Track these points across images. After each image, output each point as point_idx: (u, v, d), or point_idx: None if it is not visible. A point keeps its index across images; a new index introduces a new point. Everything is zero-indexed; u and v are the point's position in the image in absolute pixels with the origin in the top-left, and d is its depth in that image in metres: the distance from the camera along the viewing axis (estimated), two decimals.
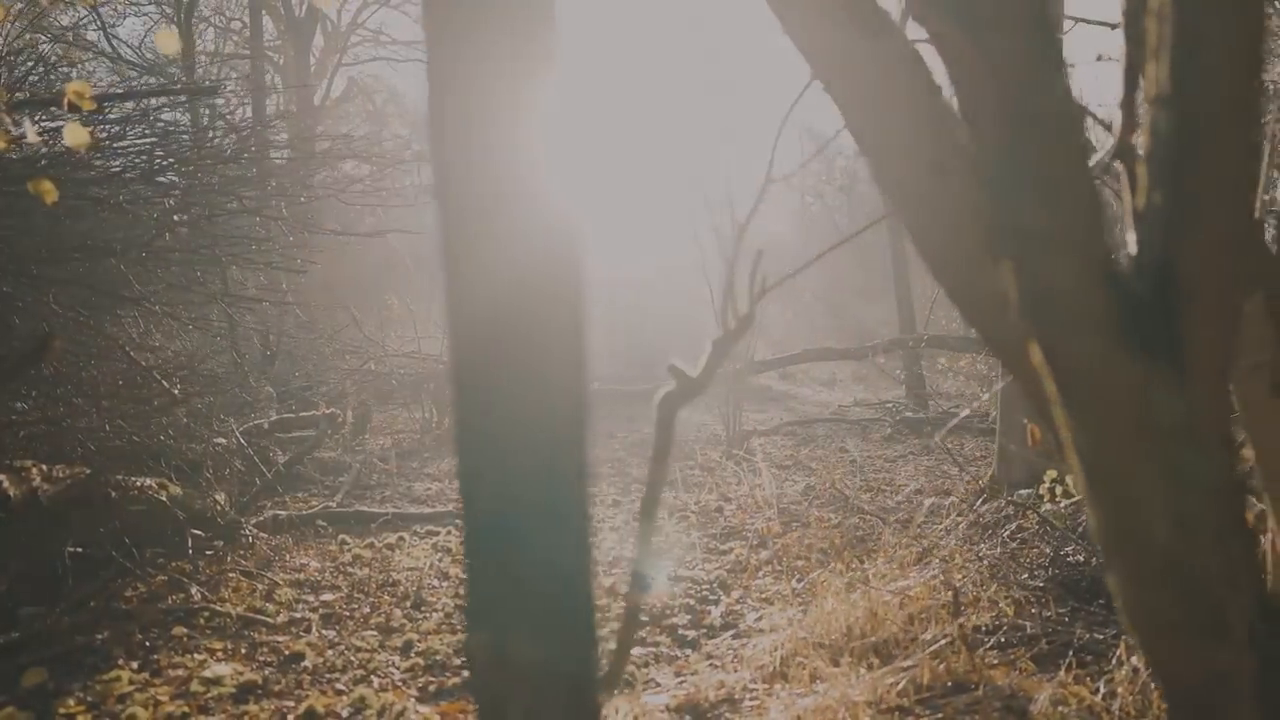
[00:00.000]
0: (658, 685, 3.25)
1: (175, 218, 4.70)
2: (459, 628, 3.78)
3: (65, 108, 2.70)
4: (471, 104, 0.79)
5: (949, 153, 1.16)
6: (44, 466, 4.01)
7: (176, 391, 4.57)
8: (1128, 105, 1.05)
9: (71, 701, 3.07)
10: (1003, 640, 3.32)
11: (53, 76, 7.10)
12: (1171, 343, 0.88)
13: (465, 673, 3.30)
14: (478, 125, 0.80)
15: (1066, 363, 0.89)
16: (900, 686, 2.84)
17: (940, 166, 1.17)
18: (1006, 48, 0.80)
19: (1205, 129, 0.84)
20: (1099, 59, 1.96)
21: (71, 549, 4.05)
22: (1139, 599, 0.97)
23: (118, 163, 4.86)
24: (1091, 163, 1.60)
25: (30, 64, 5.42)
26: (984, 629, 3.39)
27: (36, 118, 4.80)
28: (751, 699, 3.03)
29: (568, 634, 0.83)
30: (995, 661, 3.15)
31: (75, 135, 2.64)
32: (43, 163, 4.35)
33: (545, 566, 0.82)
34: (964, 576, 3.73)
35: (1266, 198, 2.06)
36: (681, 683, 3.21)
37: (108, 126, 5.03)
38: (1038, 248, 0.85)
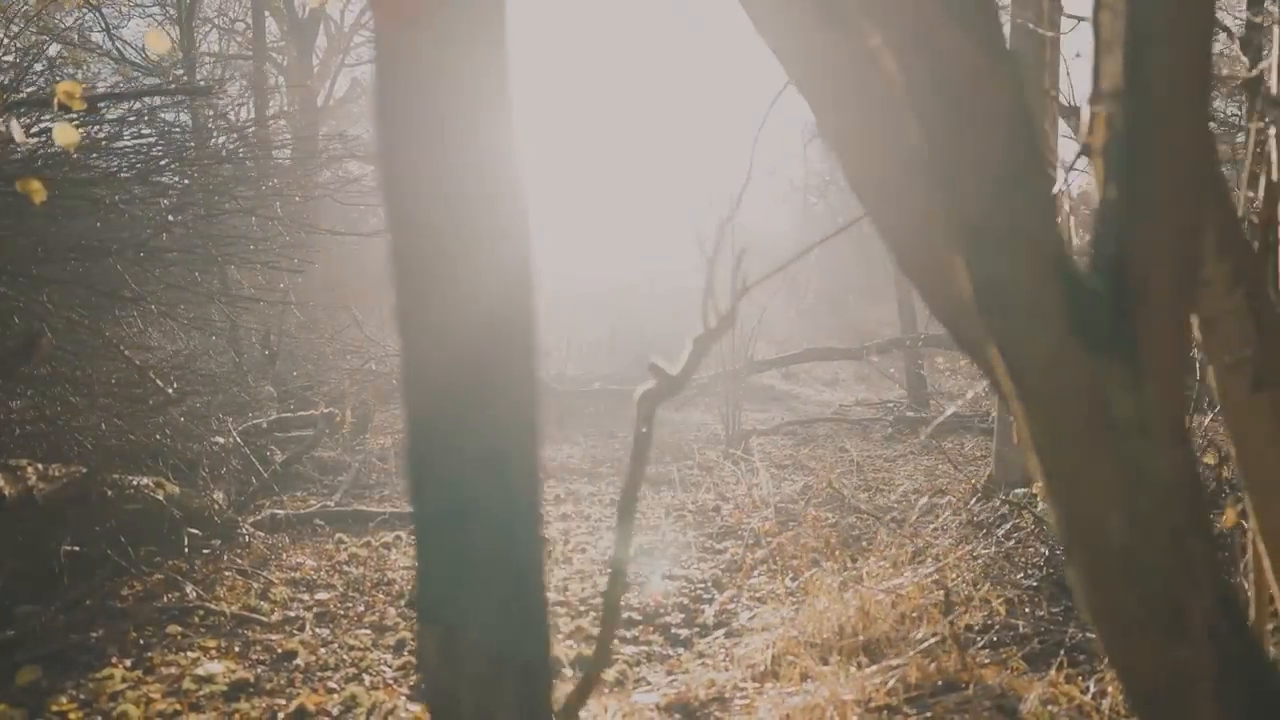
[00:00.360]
0: (649, 684, 3.25)
1: (170, 218, 4.71)
2: None
3: (56, 108, 2.71)
4: (417, 85, 0.79)
5: (915, 151, 1.15)
6: (40, 465, 4.02)
7: (171, 391, 4.58)
8: (1095, 102, 1.04)
9: (64, 699, 3.08)
10: (995, 639, 3.31)
11: (58, 77, 7.13)
12: (1126, 339, 0.88)
13: None
14: (425, 110, 0.80)
15: (1020, 359, 0.88)
16: (889, 685, 2.84)
17: (906, 165, 1.17)
18: (954, 40, 0.80)
19: (1156, 124, 0.84)
20: (1077, 55, 1.96)
21: (68, 547, 4.06)
22: (1098, 597, 0.97)
23: (115, 163, 4.88)
24: (1072, 160, 1.59)
25: (29, 64, 5.43)
26: (976, 628, 3.39)
27: (34, 118, 4.82)
28: (742, 698, 3.03)
29: (519, 627, 0.83)
30: (987, 661, 3.14)
31: (65, 135, 2.65)
32: (39, 163, 4.37)
33: (496, 560, 0.82)
34: (957, 576, 3.73)
35: (1251, 195, 2.06)
36: (672, 681, 3.21)
37: (105, 126, 5.05)
38: (989, 243, 0.85)
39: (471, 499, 0.81)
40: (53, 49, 10.26)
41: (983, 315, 0.90)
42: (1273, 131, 1.83)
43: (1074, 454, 0.91)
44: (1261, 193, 1.83)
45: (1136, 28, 0.83)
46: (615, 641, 3.68)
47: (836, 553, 4.26)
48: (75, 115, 4.46)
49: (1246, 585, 2.21)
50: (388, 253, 0.86)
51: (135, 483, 4.49)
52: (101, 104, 4.99)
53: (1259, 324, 1.67)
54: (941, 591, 3.33)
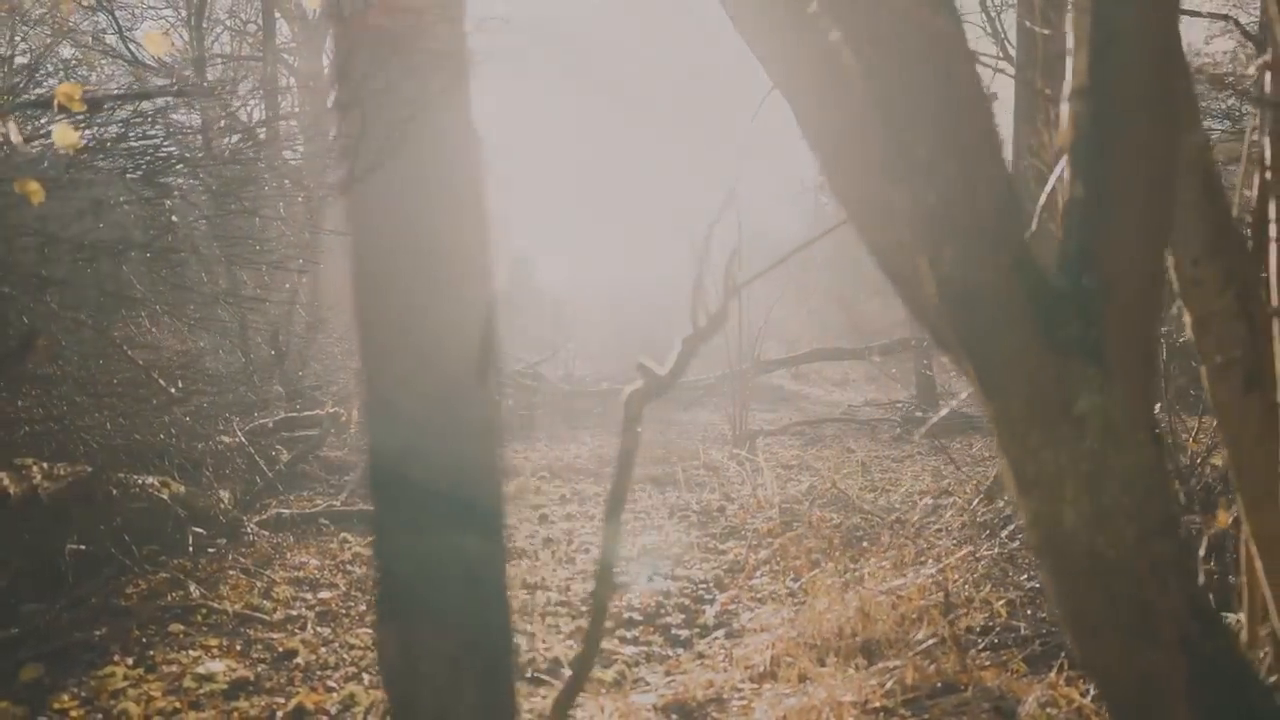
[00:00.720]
0: (647, 684, 3.24)
1: (173, 219, 4.74)
2: None
3: (55, 110, 2.72)
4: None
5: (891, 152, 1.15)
6: (45, 464, 4.05)
7: (174, 390, 4.61)
8: (1068, 100, 1.03)
9: (66, 697, 3.10)
10: (995, 641, 3.30)
11: (71, 79, 7.18)
12: (1092, 339, 0.87)
13: None
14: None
15: (985, 359, 0.88)
16: (887, 687, 2.83)
17: (879, 166, 1.16)
18: (917, 33, 0.80)
19: (1122, 122, 0.83)
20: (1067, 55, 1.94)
21: (73, 546, 4.08)
22: (1067, 598, 0.96)
23: (122, 163, 4.90)
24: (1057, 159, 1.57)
25: (37, 65, 5.48)
26: (977, 630, 3.37)
27: (42, 120, 4.85)
28: (739, 699, 3.02)
29: (478, 628, 0.83)
30: (987, 663, 3.12)
31: (64, 137, 2.66)
32: (45, 164, 4.40)
33: (452, 562, 0.82)
34: (959, 577, 3.71)
35: (1247, 194, 2.04)
36: (670, 682, 3.21)
37: (112, 127, 5.08)
38: (950, 241, 0.84)
39: (429, 503, 0.81)
40: (67, 51, 10.34)
41: (948, 315, 0.89)
42: (1267, 130, 1.81)
43: (1040, 455, 0.90)
44: (1255, 191, 1.81)
45: (1101, 26, 0.82)
46: (615, 642, 3.67)
47: (838, 554, 4.25)
48: (81, 117, 4.49)
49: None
50: (355, 280, 0.86)
51: (140, 482, 4.51)
52: (106, 105, 5.01)
53: (1250, 325, 1.65)
54: (941, 593, 3.31)
